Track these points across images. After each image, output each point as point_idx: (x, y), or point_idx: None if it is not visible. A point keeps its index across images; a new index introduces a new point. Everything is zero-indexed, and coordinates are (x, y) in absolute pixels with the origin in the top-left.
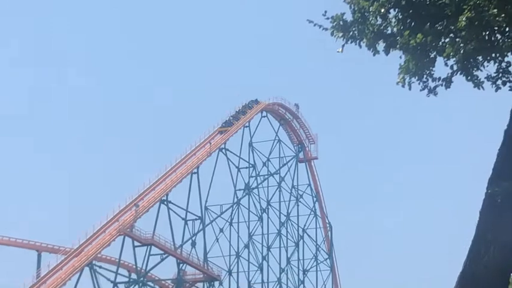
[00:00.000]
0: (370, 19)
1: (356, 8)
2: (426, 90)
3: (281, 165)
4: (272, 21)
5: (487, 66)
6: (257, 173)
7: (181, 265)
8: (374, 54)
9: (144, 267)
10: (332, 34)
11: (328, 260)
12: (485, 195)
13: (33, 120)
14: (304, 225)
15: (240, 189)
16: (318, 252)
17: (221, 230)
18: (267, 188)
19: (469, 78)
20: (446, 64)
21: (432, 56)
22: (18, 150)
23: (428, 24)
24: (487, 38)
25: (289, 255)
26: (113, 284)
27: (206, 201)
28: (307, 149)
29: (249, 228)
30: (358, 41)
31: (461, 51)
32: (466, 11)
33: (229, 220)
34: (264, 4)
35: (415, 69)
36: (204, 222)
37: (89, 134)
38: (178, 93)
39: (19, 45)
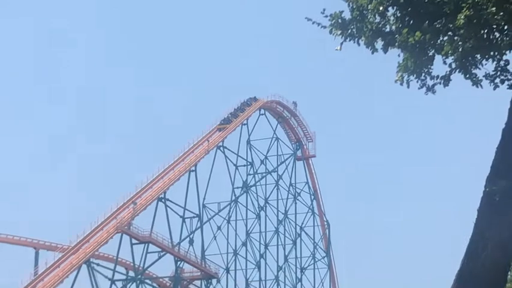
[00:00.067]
0: (369, 17)
1: (354, 6)
2: (424, 88)
3: (279, 163)
4: (270, 19)
5: (486, 64)
6: (255, 170)
7: (179, 263)
8: (372, 52)
9: (141, 265)
10: (330, 32)
11: (325, 258)
12: (483, 193)
13: (33, 120)
14: (302, 223)
15: (237, 187)
16: (315, 250)
17: (219, 228)
18: (264, 185)
19: (467, 76)
20: (444, 62)
21: (430, 54)
22: (17, 148)
23: (426, 22)
24: (485, 36)
25: (287, 253)
26: (110, 282)
27: (204, 199)
28: (305, 147)
29: (246, 226)
30: (356, 39)
31: (460, 50)
32: (464, 9)
33: (227, 218)
34: (262, 3)
35: (413, 67)
36: (201, 220)
37: (87, 131)
38: (176, 91)
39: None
